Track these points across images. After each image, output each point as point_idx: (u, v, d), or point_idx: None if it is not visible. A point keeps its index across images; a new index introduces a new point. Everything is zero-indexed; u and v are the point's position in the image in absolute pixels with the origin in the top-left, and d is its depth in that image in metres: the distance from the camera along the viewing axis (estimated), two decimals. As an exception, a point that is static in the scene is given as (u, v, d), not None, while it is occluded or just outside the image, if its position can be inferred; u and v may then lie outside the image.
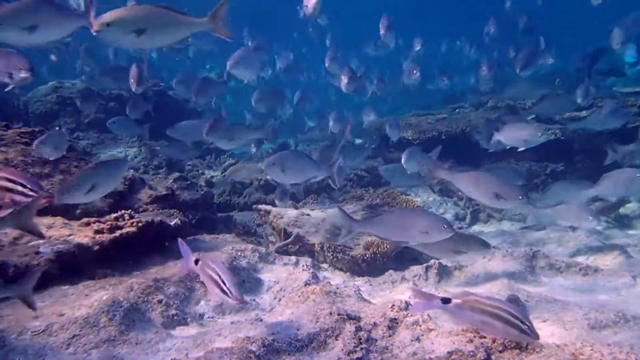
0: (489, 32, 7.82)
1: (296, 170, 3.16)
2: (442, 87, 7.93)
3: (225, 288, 2.18)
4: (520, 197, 3.03)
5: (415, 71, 6.22)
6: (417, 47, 7.51)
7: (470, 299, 1.98)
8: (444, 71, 8.10)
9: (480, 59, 7.50)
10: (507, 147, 4.57)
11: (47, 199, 2.29)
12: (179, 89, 5.74)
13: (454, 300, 2.00)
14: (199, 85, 4.77)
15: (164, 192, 4.27)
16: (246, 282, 3.27)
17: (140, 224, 3.31)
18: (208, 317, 2.88)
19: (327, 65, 5.92)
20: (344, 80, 5.00)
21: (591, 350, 2.11)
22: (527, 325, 1.89)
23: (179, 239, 2.52)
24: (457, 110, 8.45)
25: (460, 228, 4.96)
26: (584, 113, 7.03)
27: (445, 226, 2.77)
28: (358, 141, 9.01)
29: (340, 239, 3.04)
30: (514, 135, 4.22)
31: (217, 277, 2.21)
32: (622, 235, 4.87)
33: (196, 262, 2.34)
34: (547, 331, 2.58)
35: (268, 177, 6.06)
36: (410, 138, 7.06)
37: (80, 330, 2.36)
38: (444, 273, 3.56)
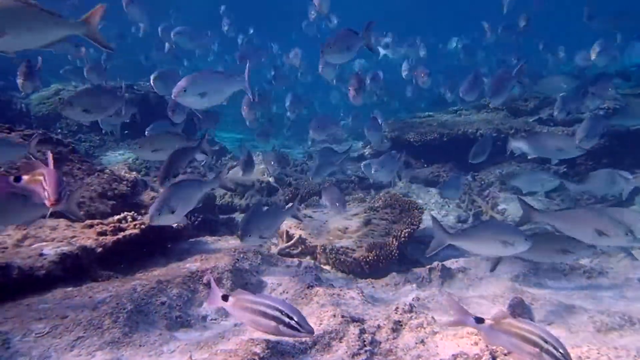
0: (487, 37, 7.79)
1: (185, 202, 2.84)
2: (448, 98, 7.82)
3: (293, 323, 1.90)
4: (627, 234, 2.83)
5: (424, 74, 6.16)
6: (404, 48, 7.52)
7: (505, 320, 1.94)
8: (452, 83, 7.91)
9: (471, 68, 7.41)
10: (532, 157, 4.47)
11: (52, 203, 2.43)
12: (157, 85, 4.76)
13: (487, 321, 1.97)
14: (175, 103, 4.12)
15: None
16: (249, 284, 3.26)
17: (143, 226, 3.31)
18: (211, 319, 2.87)
19: (320, 71, 5.61)
20: (352, 92, 4.49)
21: (598, 353, 2.10)
22: (561, 352, 1.85)
23: (210, 278, 2.35)
24: (458, 113, 8.44)
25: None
26: (585, 115, 7.02)
27: (526, 239, 2.78)
28: (359, 145, 9.02)
29: (429, 251, 2.99)
30: (547, 146, 4.12)
31: (276, 313, 1.92)
32: (626, 238, 4.84)
33: (225, 297, 2.02)
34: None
35: (270, 179, 6.05)
36: (412, 140, 7.05)
37: (84, 332, 2.35)
38: (447, 275, 3.55)
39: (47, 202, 2.50)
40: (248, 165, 4.97)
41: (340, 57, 3.48)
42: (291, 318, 1.90)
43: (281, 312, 1.90)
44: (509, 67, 5.28)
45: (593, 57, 5.26)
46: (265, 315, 1.92)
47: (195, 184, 2.98)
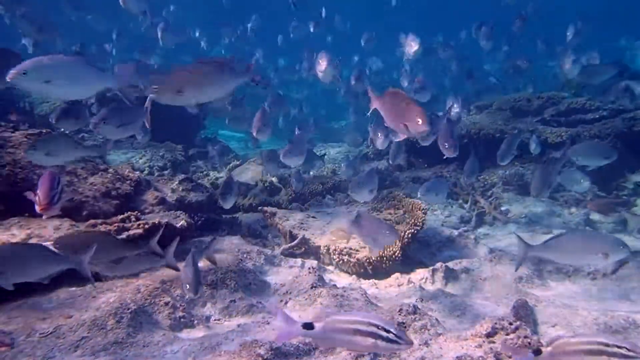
0: (483, 41, 7.68)
1: (16, 270, 2.18)
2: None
3: (392, 336, 1.77)
4: None
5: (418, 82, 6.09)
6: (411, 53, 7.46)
7: (560, 342, 1.83)
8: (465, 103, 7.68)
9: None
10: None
11: (42, 208, 2.45)
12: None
13: (545, 350, 1.85)
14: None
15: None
16: (252, 284, 3.26)
17: (146, 226, 3.31)
18: (215, 320, 2.88)
19: (320, 70, 5.38)
20: (420, 127, 2.93)
21: (602, 356, 2.09)
22: (627, 347, 1.74)
23: (279, 309, 2.08)
24: (461, 113, 8.39)
25: (465, 231, 4.94)
26: (589, 116, 7.01)
27: (622, 246, 2.66)
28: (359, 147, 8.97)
29: (516, 264, 2.94)
30: (588, 154, 4.13)
31: (372, 329, 1.78)
32: (631, 239, 4.83)
33: (309, 326, 1.80)
34: (556, 336, 2.56)
35: (273, 179, 6.05)
36: (414, 140, 7.03)
37: (88, 333, 2.36)
38: (450, 277, 3.54)
39: (37, 207, 2.46)
40: (227, 191, 3.96)
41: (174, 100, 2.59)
42: (388, 331, 1.76)
43: (377, 326, 1.77)
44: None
45: (567, 66, 5.21)
46: (360, 333, 1.77)
47: (38, 252, 2.26)
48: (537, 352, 1.86)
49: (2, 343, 1.83)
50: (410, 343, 1.79)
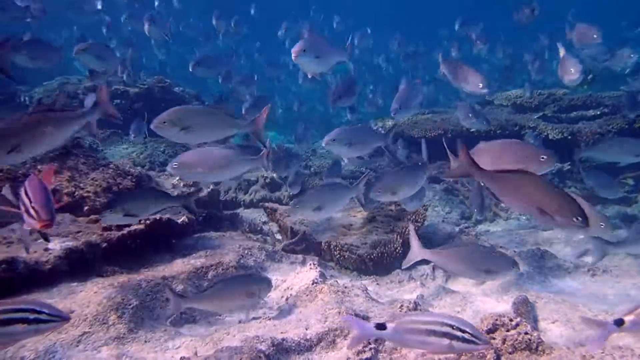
0: (477, 43, 7.60)
1: None
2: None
3: (467, 336, 1.72)
4: None
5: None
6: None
7: None
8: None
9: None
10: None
11: (43, 225, 1.97)
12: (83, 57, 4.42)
13: (627, 317, 1.78)
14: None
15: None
16: (253, 280, 3.27)
17: (148, 222, 3.32)
18: (216, 316, 2.88)
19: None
20: None
21: (602, 352, 2.10)
22: None
23: (349, 317, 2.05)
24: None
25: (466, 227, 4.94)
26: (590, 112, 7.00)
27: None
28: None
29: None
30: (617, 151, 4.11)
31: (447, 329, 1.74)
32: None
33: (381, 326, 1.79)
34: (556, 332, 2.57)
35: (274, 175, 6.05)
36: (416, 136, 7.02)
37: (89, 328, 2.37)
38: (451, 273, 3.55)
39: (34, 223, 1.97)
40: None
41: None
42: (464, 331, 1.72)
43: (452, 326, 1.73)
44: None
45: (569, 78, 5.15)
46: (434, 333, 1.74)
47: None
48: (620, 322, 1.78)
49: (62, 317, 1.79)
50: (488, 343, 1.74)
